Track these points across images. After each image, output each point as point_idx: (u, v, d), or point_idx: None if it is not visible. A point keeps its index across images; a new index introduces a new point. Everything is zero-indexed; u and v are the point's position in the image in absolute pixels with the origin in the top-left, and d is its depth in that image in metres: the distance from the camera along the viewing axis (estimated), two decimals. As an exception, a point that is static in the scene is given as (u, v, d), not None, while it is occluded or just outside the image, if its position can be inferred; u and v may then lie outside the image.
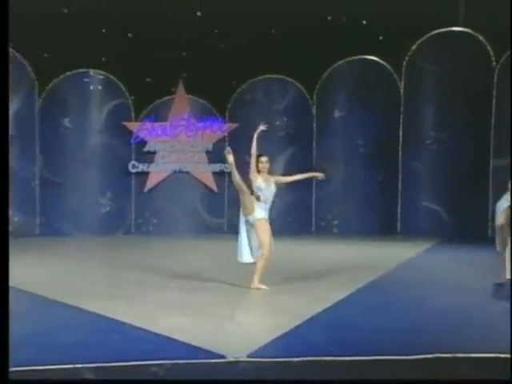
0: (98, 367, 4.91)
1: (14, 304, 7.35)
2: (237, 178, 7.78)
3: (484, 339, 6.00)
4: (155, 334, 5.92)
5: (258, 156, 7.97)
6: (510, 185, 9.03)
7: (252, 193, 7.82)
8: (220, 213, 15.10)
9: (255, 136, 8.02)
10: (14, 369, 4.88)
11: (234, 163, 7.77)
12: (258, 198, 7.79)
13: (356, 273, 9.78)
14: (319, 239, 14.22)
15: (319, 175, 8.77)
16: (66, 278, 9.40)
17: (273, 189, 7.94)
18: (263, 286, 7.91)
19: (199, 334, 5.95)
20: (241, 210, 8.03)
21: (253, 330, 6.20)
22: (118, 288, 8.44)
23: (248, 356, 5.19)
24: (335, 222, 14.99)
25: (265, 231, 7.85)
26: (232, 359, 5.12)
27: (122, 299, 7.54)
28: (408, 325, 6.57)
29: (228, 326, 6.31)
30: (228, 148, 8.01)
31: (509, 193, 9.09)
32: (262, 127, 8.11)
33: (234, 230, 14.44)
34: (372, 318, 6.79)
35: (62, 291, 8.05)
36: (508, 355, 5.22)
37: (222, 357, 5.16)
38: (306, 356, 5.19)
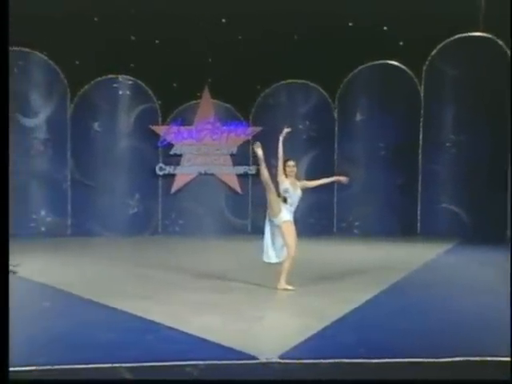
0: (134, 367, 4.90)
1: (51, 303, 7.44)
2: (265, 174, 7.69)
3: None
4: (187, 334, 5.89)
5: (286, 160, 7.91)
6: None
7: (279, 194, 7.77)
8: (244, 214, 15.09)
9: (281, 139, 7.98)
10: (50, 367, 4.87)
11: (262, 158, 7.69)
12: (284, 201, 7.74)
13: (379, 274, 9.68)
14: (341, 240, 14.16)
15: (343, 179, 8.66)
16: (98, 277, 9.41)
17: (299, 193, 7.91)
18: (290, 287, 7.84)
19: (229, 334, 5.89)
20: (267, 210, 7.95)
21: (282, 331, 6.12)
22: (148, 288, 8.39)
23: (279, 357, 5.15)
24: (356, 224, 14.92)
25: (290, 233, 7.79)
26: (264, 360, 5.07)
27: (152, 299, 7.50)
28: (435, 327, 6.47)
29: (258, 327, 6.25)
30: (257, 142, 7.86)
31: None
32: (286, 130, 8.06)
33: (257, 231, 14.51)
34: (399, 319, 6.70)
35: (95, 291, 8.05)
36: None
37: (254, 358, 5.12)
38: (336, 358, 5.14)
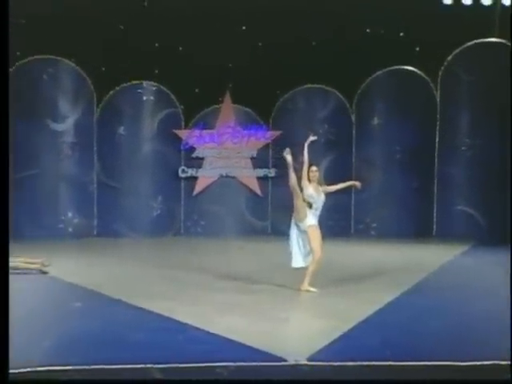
0: (166, 368, 4.84)
1: (82, 303, 7.40)
2: (293, 180, 7.67)
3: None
4: (214, 334, 5.83)
5: (309, 166, 7.87)
6: None
7: (304, 199, 7.71)
8: (264, 216, 15.03)
9: (306, 146, 7.91)
10: (86, 367, 4.82)
11: (291, 164, 7.67)
12: (310, 206, 7.68)
13: (399, 275, 9.60)
14: (358, 241, 14.06)
15: (357, 184, 8.69)
16: (125, 277, 9.40)
17: (322, 197, 7.88)
18: (312, 289, 7.79)
19: (255, 335, 5.82)
20: (293, 215, 7.88)
21: (307, 332, 6.06)
22: (174, 288, 8.35)
23: (307, 359, 5.07)
24: (373, 225, 14.81)
25: (316, 237, 7.73)
26: (293, 362, 5.00)
27: (178, 300, 7.46)
28: (457, 330, 6.37)
29: (283, 328, 6.19)
30: (287, 149, 7.79)
31: None
32: (312, 138, 8.00)
33: (277, 233, 14.57)
34: (421, 322, 6.60)
35: (123, 291, 8.03)
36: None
37: (283, 360, 5.05)
38: (363, 360, 5.05)
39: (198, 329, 5.98)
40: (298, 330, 6.17)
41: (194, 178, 14.86)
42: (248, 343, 5.50)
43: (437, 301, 7.73)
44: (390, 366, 5.02)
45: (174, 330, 6.01)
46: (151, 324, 6.29)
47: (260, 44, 14.37)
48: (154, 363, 4.88)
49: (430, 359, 5.16)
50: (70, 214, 13.91)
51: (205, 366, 4.91)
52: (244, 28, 14.39)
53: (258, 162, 14.95)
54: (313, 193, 7.74)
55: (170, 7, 13.54)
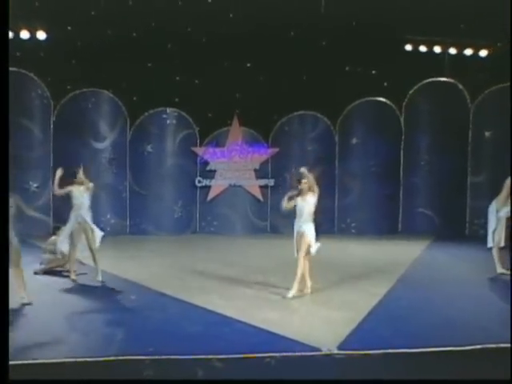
0: (224, 358, 4.64)
1: (135, 295, 7.08)
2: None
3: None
4: (255, 326, 5.62)
5: (299, 180, 7.46)
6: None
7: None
8: (264, 217, 14.89)
9: (286, 198, 7.32)
10: (141, 357, 4.57)
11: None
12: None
13: (385, 268, 9.40)
14: (341, 238, 13.95)
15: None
16: (160, 271, 9.02)
17: (307, 206, 7.26)
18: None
19: (289, 327, 5.64)
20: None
21: (331, 323, 5.83)
22: (208, 283, 7.98)
23: (338, 348, 4.91)
24: (353, 225, 14.75)
25: (298, 242, 7.25)
26: (327, 351, 4.84)
27: (216, 293, 7.19)
28: (451, 315, 6.20)
29: (310, 320, 5.99)
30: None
31: (497, 199, 8.71)
32: (289, 194, 7.37)
33: (274, 231, 14.47)
34: (417, 310, 6.47)
35: (162, 284, 7.72)
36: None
37: (318, 349, 4.89)
38: (382, 348, 4.88)
39: (240, 322, 5.77)
40: (322, 322, 5.94)
41: (208, 187, 14.68)
42: (285, 334, 5.33)
43: (424, 291, 7.61)
44: (409, 353, 4.86)
45: (220, 323, 5.78)
46: (199, 317, 6.06)
47: (261, 78, 14.21)
48: (208, 354, 4.67)
49: (431, 346, 5.00)
50: (108, 216, 13.70)
51: (255, 357, 4.73)
52: (248, 65, 14.30)
53: (260, 173, 14.81)
54: (299, 203, 7.22)
55: (188, 49, 13.49)
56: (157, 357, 4.59)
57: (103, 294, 7.36)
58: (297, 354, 4.78)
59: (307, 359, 4.72)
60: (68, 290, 7.46)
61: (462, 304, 6.79)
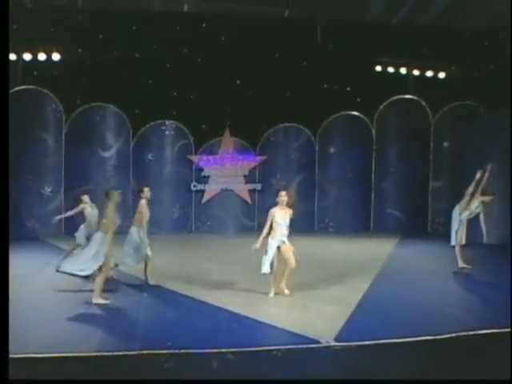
0: (236, 351, 4.63)
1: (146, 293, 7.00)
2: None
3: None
4: (260, 322, 5.59)
5: (279, 191, 6.96)
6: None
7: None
8: (252, 218, 14.89)
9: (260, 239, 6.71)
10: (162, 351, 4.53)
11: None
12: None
13: (364, 264, 9.36)
14: (320, 236, 14.06)
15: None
16: (167, 269, 8.96)
17: (287, 220, 6.81)
18: (286, 291, 6.90)
19: (288, 321, 5.63)
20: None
21: (326, 317, 5.79)
22: (213, 280, 7.83)
23: (335, 340, 4.94)
24: (331, 224, 14.85)
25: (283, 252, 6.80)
26: (326, 344, 4.87)
27: (222, 289, 7.07)
28: (424, 307, 6.26)
29: (307, 315, 5.93)
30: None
31: (459, 204, 8.86)
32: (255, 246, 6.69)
33: (262, 230, 14.33)
34: (399, 302, 6.50)
35: (171, 282, 7.65)
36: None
37: (318, 342, 4.91)
38: (373, 339, 4.91)
39: (246, 317, 5.72)
40: (319, 316, 5.89)
41: (203, 191, 14.64)
42: (287, 328, 5.33)
43: (401, 284, 7.64)
44: (402, 343, 4.89)
45: (228, 318, 5.73)
46: (207, 313, 6.00)
47: (250, 94, 14.24)
48: (221, 348, 4.65)
49: (416, 335, 5.06)
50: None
51: (263, 350, 4.73)
52: (238, 82, 14.28)
53: (248, 178, 14.83)
54: (278, 219, 6.67)
55: (185, 68, 13.51)
56: (176, 351, 4.57)
57: (118, 291, 7.26)
58: (300, 346, 4.81)
59: (309, 351, 4.75)
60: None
61: (434, 295, 6.90)
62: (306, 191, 14.45)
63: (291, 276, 6.84)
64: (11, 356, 3.88)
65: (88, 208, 8.65)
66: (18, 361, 4.25)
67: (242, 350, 4.68)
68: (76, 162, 13.03)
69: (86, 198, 8.88)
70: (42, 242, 11.98)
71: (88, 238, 7.81)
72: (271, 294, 6.68)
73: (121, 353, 4.52)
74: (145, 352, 4.55)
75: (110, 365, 4.34)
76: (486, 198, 8.55)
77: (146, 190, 8.03)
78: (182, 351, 4.58)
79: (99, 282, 6.41)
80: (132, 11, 12.41)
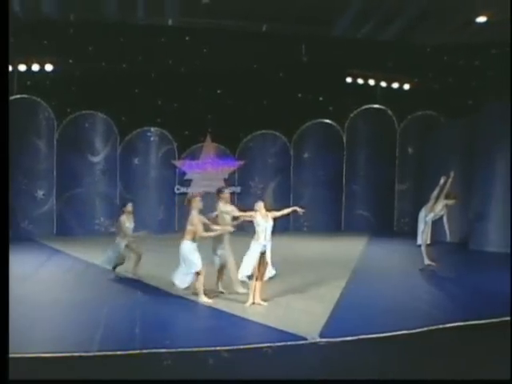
0: (230, 349, 4.59)
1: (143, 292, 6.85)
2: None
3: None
4: (248, 320, 5.55)
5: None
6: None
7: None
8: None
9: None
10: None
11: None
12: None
13: (339, 262, 9.31)
14: (295, 235, 14.05)
15: (299, 210, 6.70)
16: (154, 268, 8.76)
17: (270, 223, 6.22)
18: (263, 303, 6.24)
19: (275, 319, 5.58)
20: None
21: (311, 314, 5.69)
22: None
23: (320, 336, 4.95)
24: (305, 223, 14.89)
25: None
26: (312, 340, 4.88)
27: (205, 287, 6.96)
28: (397, 302, 6.32)
29: (293, 312, 5.87)
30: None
31: (425, 206, 9.02)
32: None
33: (240, 230, 14.22)
34: (374, 298, 6.53)
35: (158, 280, 7.51)
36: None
37: (304, 339, 4.91)
38: (355, 335, 4.94)
39: (234, 316, 5.67)
40: (305, 313, 5.81)
41: (185, 194, 14.36)
42: (275, 326, 5.29)
43: (374, 281, 7.67)
44: (382, 337, 4.92)
45: (216, 316, 5.67)
46: (196, 312, 5.93)
47: (230, 102, 14.19)
48: (218, 346, 4.60)
49: (392, 330, 5.09)
50: (102, 219, 13.40)
51: (254, 347, 4.71)
52: (219, 91, 14.23)
53: (228, 182, 14.72)
54: (260, 221, 6.12)
55: (169, 78, 13.42)
56: (173, 350, 4.51)
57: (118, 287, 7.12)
58: (288, 343, 4.81)
59: (297, 348, 4.75)
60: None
61: (404, 290, 6.99)
62: (282, 193, 14.53)
63: (264, 286, 6.25)
64: (11, 356, 3.77)
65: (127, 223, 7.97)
66: (17, 361, 4.13)
67: (235, 348, 4.65)
68: (67, 166, 13.03)
69: (129, 206, 8.18)
70: (35, 243, 11.73)
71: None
72: (248, 304, 6.00)
73: (120, 352, 4.45)
74: (145, 351, 4.48)
75: (109, 365, 4.26)
76: (449, 202, 8.76)
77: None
78: (179, 350, 4.54)
79: (200, 283, 6.27)
80: (120, 25, 12.32)
